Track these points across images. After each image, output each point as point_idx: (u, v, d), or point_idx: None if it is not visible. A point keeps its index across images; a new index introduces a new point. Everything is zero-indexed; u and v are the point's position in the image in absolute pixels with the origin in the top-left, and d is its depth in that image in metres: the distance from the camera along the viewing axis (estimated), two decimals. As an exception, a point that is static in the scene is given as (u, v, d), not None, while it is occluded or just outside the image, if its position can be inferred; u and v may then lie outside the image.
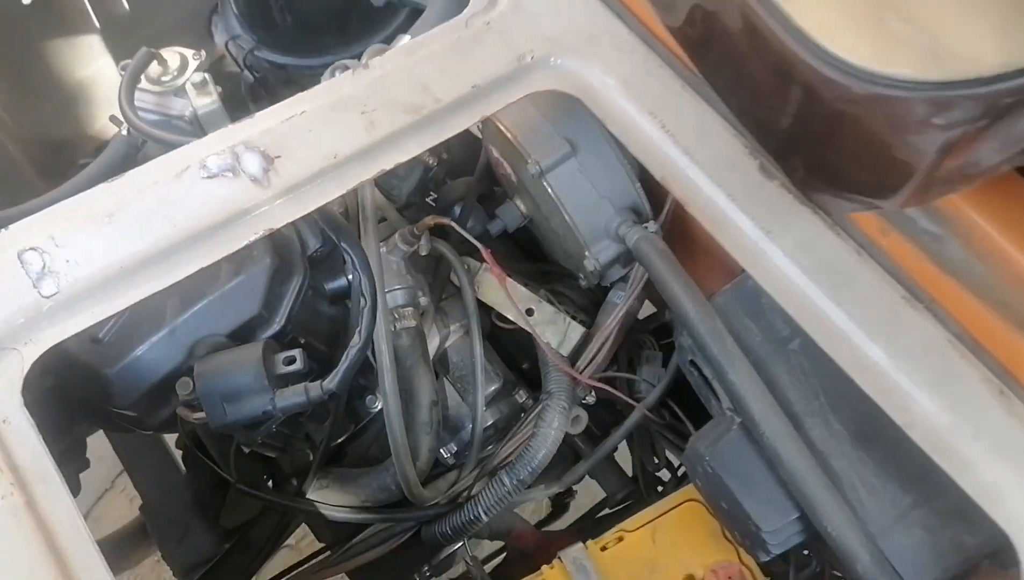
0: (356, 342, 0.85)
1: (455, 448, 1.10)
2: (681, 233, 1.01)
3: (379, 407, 1.03)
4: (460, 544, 1.11)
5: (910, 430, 0.73)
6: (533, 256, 1.24)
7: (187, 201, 0.79)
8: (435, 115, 0.86)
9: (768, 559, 0.90)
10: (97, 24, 1.51)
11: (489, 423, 1.10)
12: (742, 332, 0.88)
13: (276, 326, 0.90)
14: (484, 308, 1.09)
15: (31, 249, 0.75)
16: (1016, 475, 0.70)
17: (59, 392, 0.90)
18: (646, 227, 0.97)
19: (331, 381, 0.85)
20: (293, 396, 0.85)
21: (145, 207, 0.78)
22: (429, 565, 1.14)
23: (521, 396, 1.12)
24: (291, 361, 0.86)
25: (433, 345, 1.10)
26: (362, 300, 0.86)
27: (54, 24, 1.49)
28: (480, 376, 1.03)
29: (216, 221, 0.78)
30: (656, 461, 1.17)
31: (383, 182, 1.08)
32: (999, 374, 0.72)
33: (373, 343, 0.92)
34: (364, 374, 1.07)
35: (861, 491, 0.81)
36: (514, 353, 1.18)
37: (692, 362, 0.97)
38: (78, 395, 0.88)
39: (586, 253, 1.01)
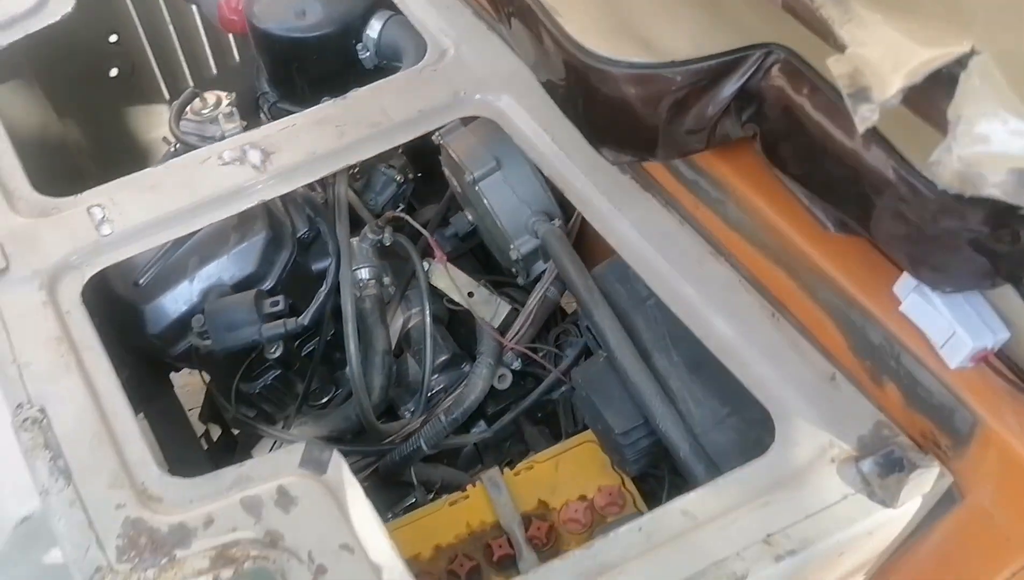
0: (324, 289, 1.16)
1: (412, 408, 1.38)
2: (589, 232, 1.31)
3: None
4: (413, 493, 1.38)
5: (707, 342, 1.00)
6: (488, 268, 1.54)
7: (207, 179, 1.12)
8: (389, 129, 1.19)
9: (634, 471, 1.15)
10: (167, 96, 1.90)
11: (439, 387, 1.39)
12: (612, 294, 1.16)
13: (268, 284, 1.22)
14: (438, 294, 1.39)
15: (97, 205, 1.08)
16: (775, 370, 0.96)
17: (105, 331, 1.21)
18: (553, 223, 1.27)
19: (304, 317, 1.16)
20: (275, 328, 1.15)
21: (177, 181, 1.11)
22: (392, 513, 1.40)
23: (467, 368, 1.40)
24: (276, 304, 1.17)
25: (397, 326, 1.39)
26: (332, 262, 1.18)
27: (133, 95, 1.88)
28: (429, 336, 1.31)
29: (226, 192, 1.11)
30: (576, 426, 1.43)
31: (363, 195, 1.40)
32: (772, 302, 1.00)
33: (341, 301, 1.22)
34: (341, 350, 1.37)
35: (691, 404, 1.07)
36: (466, 340, 1.47)
37: (587, 327, 1.25)
38: (119, 328, 1.19)
39: (511, 245, 1.31)
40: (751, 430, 1.06)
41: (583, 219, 1.31)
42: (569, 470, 1.25)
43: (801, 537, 0.84)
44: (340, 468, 0.89)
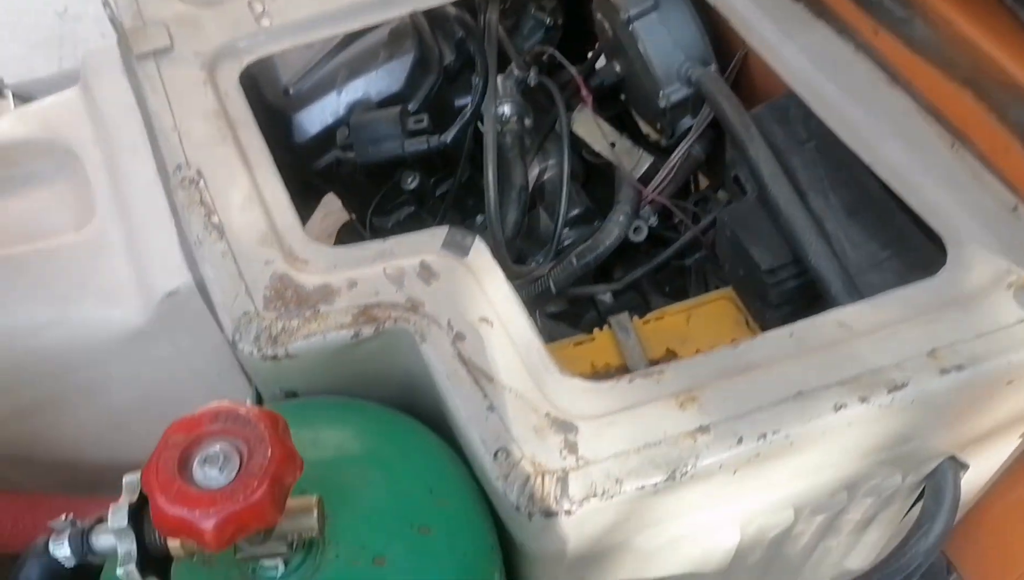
0: (468, 109, 1.15)
1: (541, 260, 1.36)
2: (743, 83, 1.25)
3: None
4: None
5: (877, 168, 0.93)
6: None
7: (364, -15, 1.11)
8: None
9: (775, 318, 1.10)
10: None
11: (569, 242, 1.36)
12: (769, 135, 1.10)
13: (413, 105, 1.21)
14: (577, 147, 1.36)
15: (257, 0, 1.10)
16: (952, 197, 0.89)
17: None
18: (709, 68, 1.22)
19: (447, 135, 1.15)
20: (418, 144, 1.15)
21: (336, -14, 1.12)
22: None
23: (599, 225, 1.37)
24: (420, 121, 1.16)
25: (531, 176, 1.37)
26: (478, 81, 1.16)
27: None
28: (566, 182, 1.28)
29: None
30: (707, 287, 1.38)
31: (511, 36, 1.38)
32: (952, 131, 0.92)
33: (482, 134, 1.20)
34: (474, 196, 1.36)
35: (846, 245, 1.01)
36: (600, 200, 1.43)
37: (735, 179, 1.19)
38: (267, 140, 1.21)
39: (660, 93, 1.26)
40: (911, 273, 0.98)
41: (739, 68, 1.25)
42: (701, 323, 1.21)
43: (970, 354, 0.78)
44: (481, 253, 0.88)
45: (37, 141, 1.15)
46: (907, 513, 1.05)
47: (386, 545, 0.72)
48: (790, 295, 1.06)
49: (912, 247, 0.98)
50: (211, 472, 0.58)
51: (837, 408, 0.75)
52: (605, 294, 1.34)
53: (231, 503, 0.56)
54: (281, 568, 0.69)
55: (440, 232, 0.89)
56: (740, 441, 0.74)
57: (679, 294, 1.43)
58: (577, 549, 0.77)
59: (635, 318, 1.22)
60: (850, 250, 1.01)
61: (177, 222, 1.03)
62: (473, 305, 0.83)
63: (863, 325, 0.81)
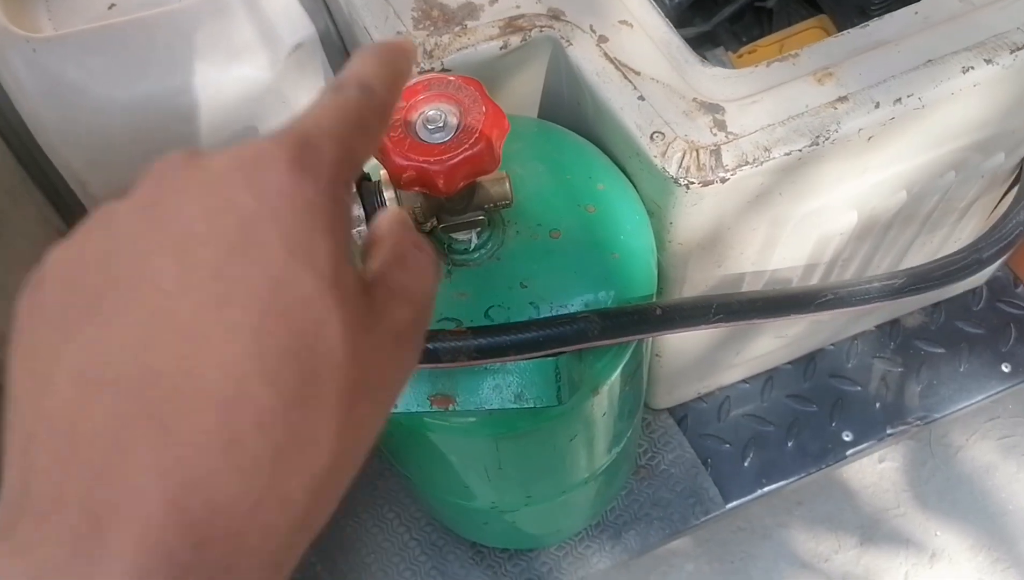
0: None
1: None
2: None
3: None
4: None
5: None
6: None
7: None
8: None
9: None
10: None
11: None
12: None
13: None
14: None
15: None
16: None
17: None
18: None
19: None
20: None
21: None
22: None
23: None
24: None
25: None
26: None
27: None
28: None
29: None
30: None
31: None
32: None
33: None
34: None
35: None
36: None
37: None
38: None
39: None
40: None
41: None
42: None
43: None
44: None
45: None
46: (998, 204, 1.13)
47: (559, 221, 0.80)
48: (891, 2, 1.10)
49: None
50: (433, 131, 0.65)
51: (964, 70, 0.81)
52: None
53: (459, 152, 0.64)
54: (474, 240, 0.78)
55: (569, -54, 0.92)
56: (877, 106, 0.80)
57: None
58: (721, 219, 0.86)
59: (729, 53, 1.26)
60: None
61: (295, -26, 1.07)
62: (611, 10, 0.88)
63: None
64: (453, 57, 0.86)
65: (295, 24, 1.09)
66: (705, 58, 1.26)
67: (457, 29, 0.88)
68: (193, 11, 1.12)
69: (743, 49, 1.26)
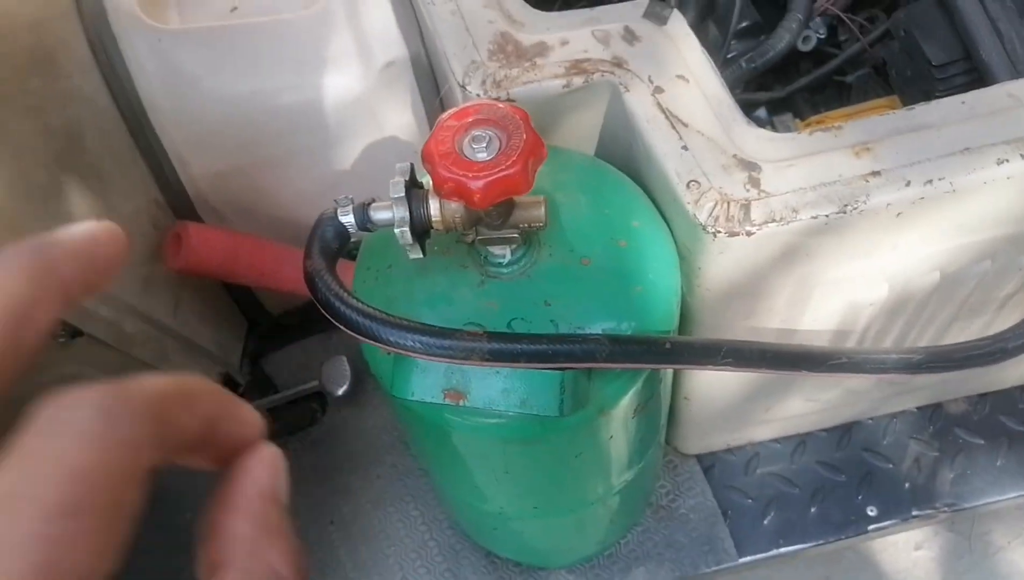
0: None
1: (707, 69, 1.45)
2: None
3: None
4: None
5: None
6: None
7: None
8: None
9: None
10: None
11: (735, 54, 1.44)
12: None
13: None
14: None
15: None
16: None
17: None
18: None
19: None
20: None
21: None
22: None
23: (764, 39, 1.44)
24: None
25: (704, -11, 1.44)
26: None
27: None
28: None
29: None
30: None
31: None
32: None
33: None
34: None
35: (1017, 44, 1.07)
36: (767, 16, 1.50)
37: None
38: None
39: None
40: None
41: None
42: (861, 127, 1.29)
43: None
44: (679, 22, 0.98)
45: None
46: (1044, 301, 1.13)
47: (591, 250, 0.87)
48: (957, 91, 1.13)
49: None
50: (477, 150, 0.73)
51: (999, 162, 0.84)
52: (760, 109, 1.42)
53: (495, 170, 0.71)
54: (508, 256, 0.85)
55: (641, 3, 0.99)
56: (908, 184, 0.84)
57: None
58: (748, 271, 0.90)
59: (796, 120, 1.31)
60: (1020, 48, 1.06)
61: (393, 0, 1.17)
62: (671, 65, 0.94)
63: (1033, 97, 0.88)
64: (519, 89, 0.94)
65: (389, 43, 1.20)
66: (771, 121, 1.32)
67: (527, 64, 0.95)
68: (302, 21, 1.23)
69: (812, 118, 1.31)
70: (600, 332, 0.82)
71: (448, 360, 0.75)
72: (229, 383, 1.51)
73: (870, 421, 1.46)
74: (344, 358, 1.47)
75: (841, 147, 0.88)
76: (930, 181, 0.84)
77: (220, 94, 1.21)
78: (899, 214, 0.86)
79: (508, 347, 0.75)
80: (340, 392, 1.44)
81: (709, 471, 1.45)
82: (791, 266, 0.91)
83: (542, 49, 0.97)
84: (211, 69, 1.20)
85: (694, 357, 0.83)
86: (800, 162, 0.87)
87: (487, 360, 0.75)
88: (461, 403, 0.80)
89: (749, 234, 0.84)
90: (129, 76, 1.16)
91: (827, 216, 0.84)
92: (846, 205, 0.84)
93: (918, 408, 1.46)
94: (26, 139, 1.07)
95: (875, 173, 0.85)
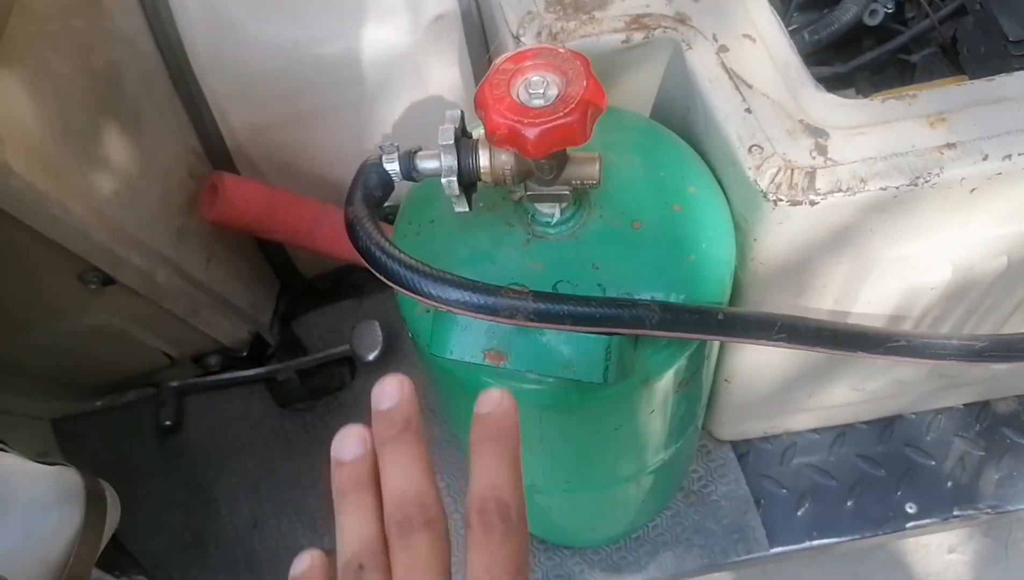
0: None
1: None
2: None
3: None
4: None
5: None
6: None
7: None
8: None
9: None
10: None
11: (797, 26, 1.38)
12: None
13: None
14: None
15: None
16: None
17: None
18: None
19: None
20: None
21: None
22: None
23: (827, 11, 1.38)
24: None
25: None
26: None
27: None
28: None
29: None
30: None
31: None
32: None
33: None
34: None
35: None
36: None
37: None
38: None
39: None
40: None
41: None
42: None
43: None
44: (745, -18, 0.93)
45: None
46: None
47: (643, 214, 0.83)
48: (1033, 70, 1.07)
49: None
50: (534, 96, 0.69)
51: (1086, 140, 0.79)
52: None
53: (552, 117, 0.67)
54: (557, 214, 0.81)
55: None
56: (985, 158, 0.79)
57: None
58: (806, 244, 0.86)
59: (860, 96, 1.25)
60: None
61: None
62: (737, 23, 0.90)
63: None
64: (576, 43, 0.90)
65: (439, -2, 1.16)
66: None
67: (585, 17, 0.91)
68: (350, -29, 1.20)
69: (876, 95, 1.25)
70: (649, 300, 0.78)
71: (491, 318, 0.71)
72: (259, 343, 1.49)
73: (913, 415, 1.41)
74: (376, 323, 1.44)
75: (915, 116, 0.83)
76: (1009, 156, 0.79)
77: (261, 41, 1.18)
78: (973, 190, 0.81)
79: (554, 308, 0.71)
80: (371, 357, 1.41)
81: (743, 458, 1.40)
82: (851, 242, 0.86)
83: (602, 1, 0.92)
84: (254, 15, 1.16)
85: (747, 330, 0.78)
86: (871, 131, 0.82)
87: (532, 320, 0.71)
88: (501, 365, 0.77)
89: (812, 204, 0.80)
90: (172, 18, 1.13)
91: (897, 188, 0.79)
92: (918, 177, 0.79)
93: (965, 405, 1.41)
94: (67, 79, 1.04)
95: (950, 145, 0.80)
